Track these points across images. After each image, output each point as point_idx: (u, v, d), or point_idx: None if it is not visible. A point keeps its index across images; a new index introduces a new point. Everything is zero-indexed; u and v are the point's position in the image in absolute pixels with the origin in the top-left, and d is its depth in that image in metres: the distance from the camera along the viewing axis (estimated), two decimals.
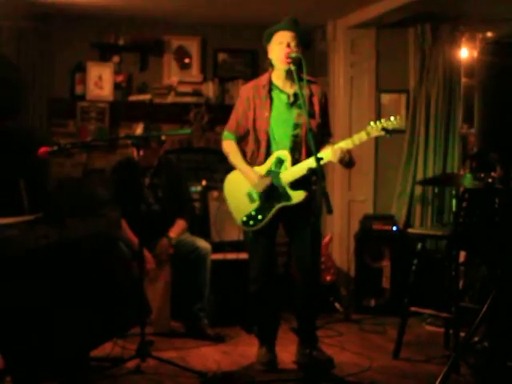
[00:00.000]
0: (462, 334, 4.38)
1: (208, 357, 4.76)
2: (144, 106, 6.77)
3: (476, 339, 4.17)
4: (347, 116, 6.64)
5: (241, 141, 4.53)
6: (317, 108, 4.36)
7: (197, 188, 6.37)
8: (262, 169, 4.36)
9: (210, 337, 5.14)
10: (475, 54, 5.96)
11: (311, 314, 4.52)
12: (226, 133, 4.55)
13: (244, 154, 4.47)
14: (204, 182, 6.45)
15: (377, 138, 5.89)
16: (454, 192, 5.96)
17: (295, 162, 4.27)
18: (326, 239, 6.15)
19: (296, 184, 4.27)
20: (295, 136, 4.32)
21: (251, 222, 4.39)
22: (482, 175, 4.49)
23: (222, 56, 7.09)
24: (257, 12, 6.31)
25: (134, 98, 6.83)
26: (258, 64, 6.97)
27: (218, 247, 5.70)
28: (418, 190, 6.32)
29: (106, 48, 6.80)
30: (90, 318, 3.73)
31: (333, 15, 6.56)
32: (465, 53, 6.23)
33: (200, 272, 5.24)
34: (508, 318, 3.81)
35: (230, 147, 4.51)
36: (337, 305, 6.10)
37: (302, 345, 4.55)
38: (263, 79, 4.43)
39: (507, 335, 3.83)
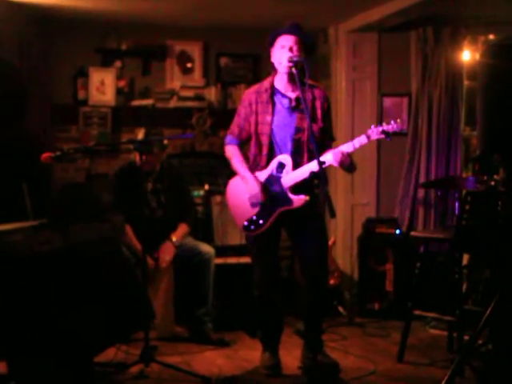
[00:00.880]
0: (466, 337, 4.38)
1: (212, 361, 4.76)
2: (146, 111, 6.77)
3: (480, 342, 4.16)
4: (349, 119, 6.64)
5: (243, 145, 4.53)
6: (319, 112, 4.36)
7: (200, 192, 6.37)
8: (263, 173, 4.36)
9: (213, 341, 5.14)
10: (477, 56, 5.97)
11: (318, 317, 4.52)
12: (228, 137, 4.55)
13: (246, 159, 4.47)
14: (207, 187, 6.45)
15: (379, 142, 5.90)
16: (456, 195, 5.97)
17: (297, 166, 4.27)
18: (330, 243, 6.14)
19: (297, 188, 4.27)
20: (297, 140, 4.32)
21: (252, 227, 4.39)
22: (485, 178, 4.49)
23: (224, 60, 7.09)
24: (259, 16, 6.31)
25: (136, 102, 6.83)
26: (260, 68, 6.98)
27: (221, 251, 5.70)
28: (421, 192, 6.32)
29: (108, 53, 6.81)
30: (93, 323, 3.73)
31: (335, 19, 6.57)
32: (467, 55, 6.23)
33: (203, 276, 5.24)
34: None
35: (232, 152, 4.51)
36: (340, 308, 6.09)
37: (306, 349, 4.54)
38: (266, 83, 4.43)
39: (511, 338, 3.82)
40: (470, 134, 6.35)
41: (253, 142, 4.43)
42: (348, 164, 4.22)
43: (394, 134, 4.13)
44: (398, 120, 4.13)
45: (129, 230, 5.15)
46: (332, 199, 3.79)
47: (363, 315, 6.05)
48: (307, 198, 4.23)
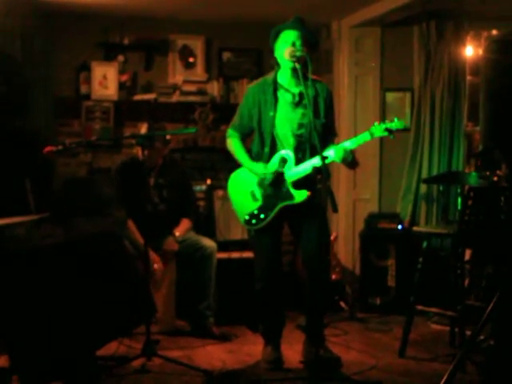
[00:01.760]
0: (468, 333, 4.38)
1: (213, 355, 4.76)
2: (149, 106, 6.78)
3: (482, 337, 4.16)
4: (352, 114, 6.64)
5: (245, 139, 4.54)
6: (322, 107, 4.36)
7: (202, 187, 6.37)
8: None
9: (215, 335, 5.14)
10: (480, 52, 5.96)
11: (319, 312, 4.53)
12: (230, 131, 4.55)
13: (249, 153, 4.47)
14: (209, 181, 6.45)
15: (381, 137, 5.89)
16: (459, 190, 5.97)
17: (299, 161, 4.27)
18: (332, 238, 6.15)
19: (300, 183, 4.27)
20: (300, 135, 4.32)
21: (254, 221, 4.39)
22: (487, 173, 4.48)
23: (226, 55, 7.09)
24: (261, 11, 6.31)
25: (138, 97, 6.83)
26: (262, 63, 6.98)
27: (223, 246, 5.70)
28: (423, 188, 6.32)
29: (110, 47, 6.81)
30: (95, 317, 3.73)
31: (337, 14, 6.56)
32: (470, 51, 6.22)
33: (205, 271, 5.24)
34: None
35: (234, 145, 4.51)
36: (342, 303, 6.10)
37: (308, 343, 4.54)
38: (269, 78, 4.43)
39: None
40: (472, 129, 6.35)
41: (255, 137, 4.43)
42: (350, 160, 4.22)
43: (398, 130, 4.13)
44: (401, 117, 4.12)
45: (131, 224, 5.15)
46: (334, 194, 3.80)
47: (365, 310, 6.05)
48: (309, 193, 4.23)
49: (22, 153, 5.54)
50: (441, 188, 6.23)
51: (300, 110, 4.33)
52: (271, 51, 4.40)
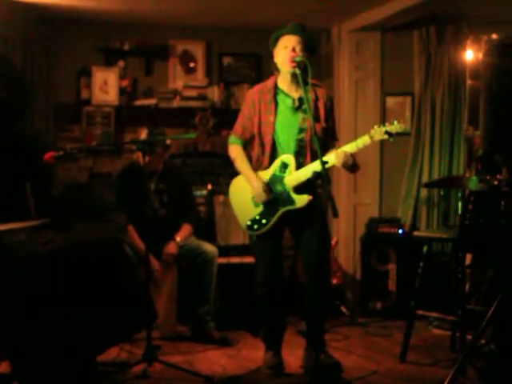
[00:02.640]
0: (469, 337, 4.38)
1: (214, 361, 4.76)
2: (149, 111, 6.79)
3: (483, 342, 4.16)
4: (352, 119, 6.64)
5: (247, 145, 4.54)
6: (322, 112, 4.36)
7: (202, 192, 6.37)
8: (266, 173, 4.36)
9: (216, 340, 5.14)
10: (480, 55, 5.96)
11: (320, 317, 4.52)
12: (232, 137, 4.55)
13: (249, 159, 4.47)
14: (209, 187, 6.45)
15: (382, 141, 5.88)
16: (459, 194, 5.96)
17: (299, 166, 4.27)
18: (332, 243, 6.15)
19: (300, 188, 4.27)
20: (300, 140, 4.32)
21: (255, 226, 4.40)
22: (488, 177, 4.49)
23: (226, 60, 7.10)
24: (261, 16, 6.31)
25: (139, 102, 6.84)
26: (262, 68, 6.98)
27: (224, 251, 5.70)
28: (424, 192, 6.32)
29: (111, 53, 6.82)
30: (96, 322, 3.73)
31: (338, 18, 6.57)
32: (470, 55, 6.22)
33: (206, 276, 5.24)
34: None
35: (236, 152, 4.51)
36: (343, 308, 6.09)
37: (309, 348, 4.54)
38: (269, 83, 4.43)
39: None
40: (473, 133, 6.33)
41: (256, 142, 4.43)
42: (351, 164, 4.21)
43: (397, 134, 4.13)
44: (401, 120, 4.13)
45: (132, 229, 5.15)
46: (335, 199, 3.79)
47: (366, 315, 6.05)
48: (310, 197, 4.23)
49: (22, 158, 5.54)
50: (441, 192, 6.23)
51: (300, 115, 4.33)
52: (271, 56, 4.41)
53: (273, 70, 4.45)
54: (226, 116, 6.66)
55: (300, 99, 4.31)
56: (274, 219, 4.35)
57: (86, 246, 3.88)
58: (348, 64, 6.67)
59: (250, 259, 5.22)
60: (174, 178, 5.40)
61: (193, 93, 6.92)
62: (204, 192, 6.39)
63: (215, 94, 6.97)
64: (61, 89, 6.66)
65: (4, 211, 4.62)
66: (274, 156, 4.35)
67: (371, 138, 4.12)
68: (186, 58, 7.00)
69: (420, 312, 4.73)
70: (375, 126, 4.13)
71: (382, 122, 5.43)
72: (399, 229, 6.20)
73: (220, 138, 6.80)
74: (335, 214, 3.72)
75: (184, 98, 6.89)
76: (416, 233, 5.16)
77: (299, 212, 4.29)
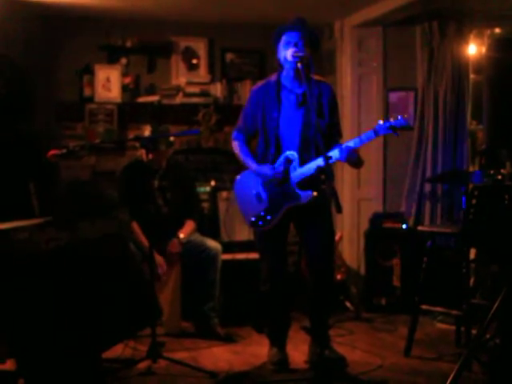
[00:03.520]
0: (474, 332, 4.37)
1: (219, 357, 4.77)
2: (152, 108, 6.78)
3: (487, 336, 4.15)
4: (355, 115, 6.64)
5: (250, 141, 4.53)
6: (326, 108, 4.36)
7: (206, 188, 6.37)
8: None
9: (220, 337, 5.15)
10: (483, 50, 5.95)
11: (324, 313, 4.52)
12: (235, 133, 4.56)
13: (254, 154, 4.47)
14: (213, 183, 6.45)
15: (385, 136, 5.88)
16: (463, 189, 5.95)
17: (304, 161, 4.26)
18: (336, 238, 6.14)
19: (305, 184, 4.26)
20: (304, 136, 4.31)
21: (260, 223, 4.39)
22: (492, 172, 4.48)
23: (229, 56, 7.09)
24: (264, 12, 6.31)
25: (142, 99, 6.84)
26: (265, 64, 6.98)
27: (228, 247, 5.70)
28: (428, 187, 6.31)
29: (113, 50, 6.81)
30: (100, 319, 3.74)
31: (340, 14, 6.56)
32: (473, 49, 6.21)
33: (210, 272, 5.25)
34: None
35: (239, 147, 4.51)
36: (347, 303, 6.10)
37: (313, 344, 4.54)
38: (272, 79, 4.43)
39: None
40: (476, 127, 6.33)
41: (260, 138, 4.43)
42: (355, 159, 4.22)
43: (402, 128, 4.12)
44: (405, 115, 4.12)
45: (135, 226, 5.16)
46: (338, 194, 3.79)
47: (370, 310, 6.05)
48: (315, 193, 4.22)
49: (25, 156, 5.55)
50: (445, 187, 6.22)
51: (304, 111, 4.32)
52: (274, 52, 4.40)
53: (275, 65, 4.45)
54: (228, 112, 6.66)
55: (303, 95, 4.30)
56: (278, 215, 4.34)
57: (89, 244, 3.88)
58: (350, 60, 6.67)
59: (253, 255, 5.22)
60: (177, 175, 5.41)
61: (195, 89, 6.92)
62: (207, 188, 6.39)
63: (218, 90, 6.96)
64: (63, 87, 6.67)
65: (7, 209, 4.63)
66: (278, 152, 4.34)
67: (376, 133, 4.11)
68: (189, 55, 7.00)
69: (424, 307, 4.73)
70: (380, 121, 4.13)
71: (385, 117, 5.43)
72: (403, 224, 6.20)
73: (223, 135, 6.80)
74: (339, 210, 3.71)
75: (187, 94, 6.88)
76: (420, 228, 5.16)
77: (304, 208, 4.29)
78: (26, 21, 6.12)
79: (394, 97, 6.60)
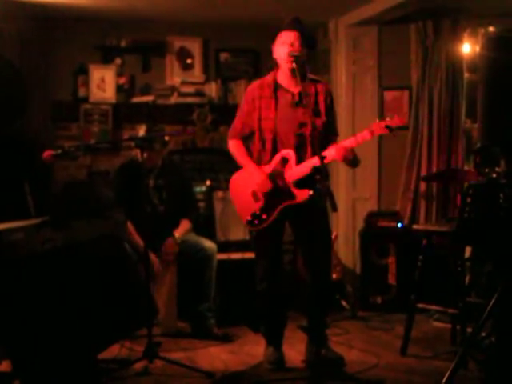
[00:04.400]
0: (469, 330, 4.38)
1: (215, 357, 4.77)
2: (147, 108, 6.78)
3: (483, 334, 4.16)
4: (350, 113, 6.64)
5: (246, 140, 4.54)
6: (322, 107, 4.36)
7: (201, 188, 6.37)
8: (267, 168, 4.36)
9: (216, 337, 5.15)
10: (477, 48, 5.93)
11: (321, 312, 4.53)
12: (231, 132, 4.56)
13: (250, 154, 4.47)
14: (208, 182, 6.45)
15: (380, 135, 5.89)
16: (458, 187, 5.96)
17: (300, 160, 4.26)
18: (332, 237, 6.14)
19: (301, 183, 4.27)
20: (300, 135, 4.31)
21: (256, 221, 4.39)
22: (486, 170, 4.48)
23: (224, 56, 7.09)
24: (258, 11, 6.31)
25: (136, 99, 6.84)
26: (260, 63, 6.98)
27: (224, 247, 5.70)
28: (423, 186, 6.31)
29: (108, 50, 6.82)
30: (96, 320, 3.73)
31: (334, 13, 6.56)
32: (467, 48, 6.22)
33: (206, 272, 5.25)
34: None
35: (235, 147, 4.51)
36: (343, 302, 6.10)
37: (310, 343, 4.54)
38: (268, 79, 4.43)
39: None
40: (470, 126, 6.34)
41: (256, 138, 4.42)
42: (351, 159, 4.22)
43: (398, 128, 4.12)
44: (400, 115, 4.12)
45: (131, 226, 5.15)
46: (334, 193, 3.80)
47: (366, 309, 6.06)
48: (311, 192, 4.22)
49: (20, 156, 5.54)
50: (440, 185, 6.22)
51: (300, 110, 4.32)
52: (268, 51, 4.41)
53: (271, 65, 4.45)
54: (223, 112, 6.66)
55: (299, 94, 4.31)
56: (274, 214, 4.34)
57: (85, 244, 3.88)
58: (345, 59, 6.67)
59: (249, 255, 5.22)
60: (173, 175, 5.41)
61: (190, 89, 6.92)
62: (203, 188, 6.39)
63: (213, 90, 6.96)
64: (58, 87, 6.67)
65: (3, 210, 4.62)
66: (274, 151, 4.34)
67: (371, 132, 4.12)
68: (183, 55, 6.99)
69: (420, 305, 4.74)
70: (376, 120, 4.13)
71: (380, 115, 5.45)
72: (398, 222, 6.20)
73: (218, 134, 6.81)
74: (334, 209, 3.72)
75: (181, 94, 6.88)
76: (415, 226, 5.17)
77: (300, 207, 4.29)
78: (21, 21, 6.11)
79: (388, 95, 6.61)
